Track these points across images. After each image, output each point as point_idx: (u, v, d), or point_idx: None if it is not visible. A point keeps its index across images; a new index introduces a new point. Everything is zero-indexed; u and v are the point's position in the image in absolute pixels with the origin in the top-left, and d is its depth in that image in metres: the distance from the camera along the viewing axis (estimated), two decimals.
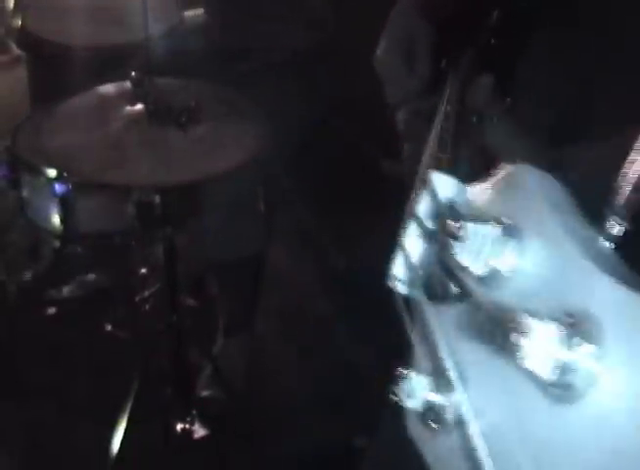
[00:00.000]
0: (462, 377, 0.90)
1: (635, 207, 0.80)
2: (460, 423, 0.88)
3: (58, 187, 2.31)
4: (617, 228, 0.80)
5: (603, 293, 0.76)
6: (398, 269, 1.03)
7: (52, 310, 2.65)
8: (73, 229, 2.33)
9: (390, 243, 1.06)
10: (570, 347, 0.75)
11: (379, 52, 1.35)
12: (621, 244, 0.81)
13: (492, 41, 1.16)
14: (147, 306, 2.57)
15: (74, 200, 2.30)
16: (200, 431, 2.36)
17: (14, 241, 2.61)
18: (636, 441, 0.74)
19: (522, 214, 0.85)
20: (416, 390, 0.91)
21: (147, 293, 2.57)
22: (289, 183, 2.49)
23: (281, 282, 2.68)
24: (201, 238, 2.42)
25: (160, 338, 2.37)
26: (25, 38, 2.86)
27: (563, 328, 0.76)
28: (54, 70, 2.70)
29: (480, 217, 0.86)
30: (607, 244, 0.81)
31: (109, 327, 2.60)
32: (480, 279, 0.85)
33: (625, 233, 0.80)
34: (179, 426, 2.36)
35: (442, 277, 0.95)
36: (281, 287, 2.68)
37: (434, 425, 0.90)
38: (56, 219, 2.33)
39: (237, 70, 2.48)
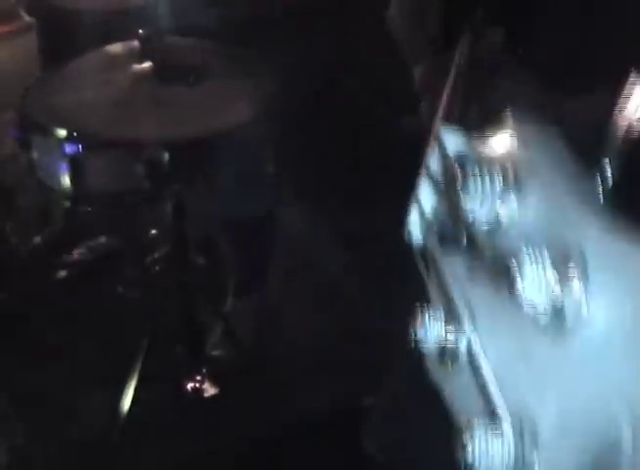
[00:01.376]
0: (472, 316, 0.95)
1: (626, 154, 0.84)
2: (471, 360, 0.94)
3: (68, 147, 2.31)
4: (609, 176, 0.85)
5: (593, 236, 0.83)
6: (413, 221, 1.08)
7: (62, 273, 2.67)
8: (84, 189, 2.33)
9: (403, 202, 1.10)
10: (561, 285, 0.82)
11: (391, 10, 1.37)
12: (613, 191, 0.85)
13: None
14: (157, 267, 2.58)
15: (84, 160, 2.30)
16: (210, 389, 2.38)
17: (24, 204, 2.62)
18: (623, 369, 0.79)
19: (524, 165, 0.91)
20: (432, 331, 0.96)
21: (157, 254, 2.58)
22: (300, 143, 2.48)
23: (292, 241, 2.69)
24: (211, 197, 2.43)
25: (171, 297, 2.38)
26: (35, 5, 2.87)
27: (556, 267, 0.82)
28: (64, 37, 2.71)
29: (485, 168, 0.92)
30: (600, 190, 0.85)
31: (119, 289, 2.62)
32: (485, 225, 0.92)
33: (617, 180, 0.85)
34: (189, 385, 2.38)
35: (452, 226, 0.99)
36: (292, 246, 2.69)
37: (449, 364, 0.95)
38: (66, 180, 2.34)
39: (242, 26, 2.48)
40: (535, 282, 0.82)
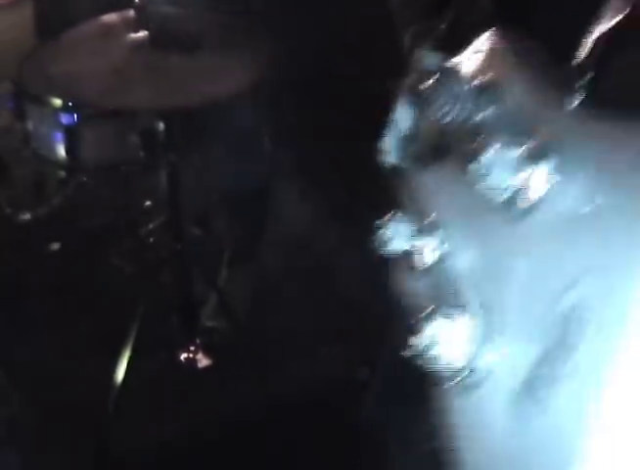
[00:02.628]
0: (440, 220, 0.99)
1: (596, 61, 0.90)
2: (439, 261, 0.97)
3: (63, 117, 2.31)
4: (581, 76, 0.90)
5: (562, 122, 0.89)
6: (388, 142, 1.09)
7: (57, 245, 2.67)
8: (79, 160, 2.33)
9: None
10: (526, 166, 0.87)
11: None
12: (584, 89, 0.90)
13: None
14: (152, 239, 2.59)
15: (80, 130, 2.31)
16: (204, 360, 2.39)
17: (20, 175, 2.62)
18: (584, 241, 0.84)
19: (499, 71, 0.97)
20: (400, 233, 0.97)
21: (152, 225, 2.58)
22: (293, 119, 2.48)
23: (286, 215, 2.69)
24: (206, 169, 2.43)
25: (166, 268, 2.39)
26: None
27: (522, 150, 0.88)
28: (60, 7, 2.71)
29: (458, 78, 0.98)
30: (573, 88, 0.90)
31: (115, 260, 2.62)
32: (458, 126, 0.96)
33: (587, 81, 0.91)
34: (183, 356, 2.39)
35: (426, 138, 1.04)
36: (285, 220, 2.69)
37: (415, 266, 0.98)
38: (61, 150, 2.34)
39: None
40: (500, 167, 0.88)
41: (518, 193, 0.87)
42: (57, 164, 2.40)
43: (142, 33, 2.16)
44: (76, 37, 2.24)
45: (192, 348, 2.38)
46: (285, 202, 2.68)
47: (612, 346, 0.79)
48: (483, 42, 1.01)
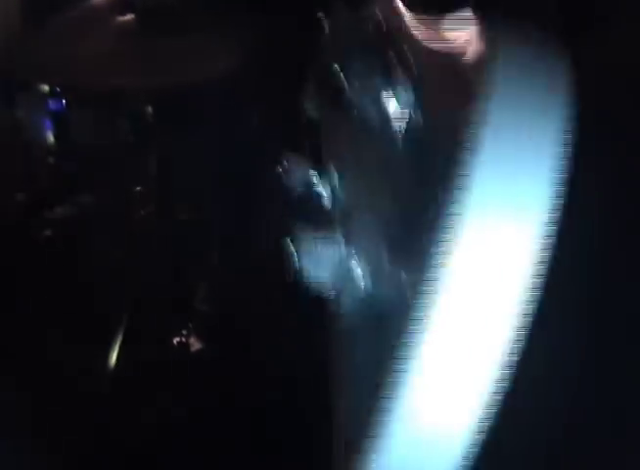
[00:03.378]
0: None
1: None
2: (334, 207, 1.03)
3: (51, 103, 2.31)
4: None
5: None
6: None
7: (48, 231, 2.66)
8: (68, 145, 2.33)
9: None
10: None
11: None
12: None
13: None
14: (143, 223, 2.58)
15: (68, 115, 2.30)
16: (196, 344, 2.39)
17: (8, 161, 2.61)
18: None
19: None
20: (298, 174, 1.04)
21: (143, 210, 2.57)
22: (286, 96, 2.47)
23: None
24: (196, 151, 2.42)
25: (157, 253, 2.38)
26: None
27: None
28: None
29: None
30: None
31: (105, 247, 2.61)
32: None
33: None
34: (175, 340, 2.38)
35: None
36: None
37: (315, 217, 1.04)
38: (50, 136, 2.33)
39: None
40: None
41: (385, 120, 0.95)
42: (46, 149, 2.40)
43: (129, 16, 2.15)
44: (63, 22, 2.23)
45: (184, 331, 2.38)
46: (277, 183, 2.67)
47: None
48: None
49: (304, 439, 2.15)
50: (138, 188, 2.60)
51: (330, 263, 0.99)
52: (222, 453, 2.27)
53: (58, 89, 2.27)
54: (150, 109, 2.15)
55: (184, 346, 2.38)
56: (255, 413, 2.30)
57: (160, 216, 2.36)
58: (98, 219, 2.67)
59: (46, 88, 2.29)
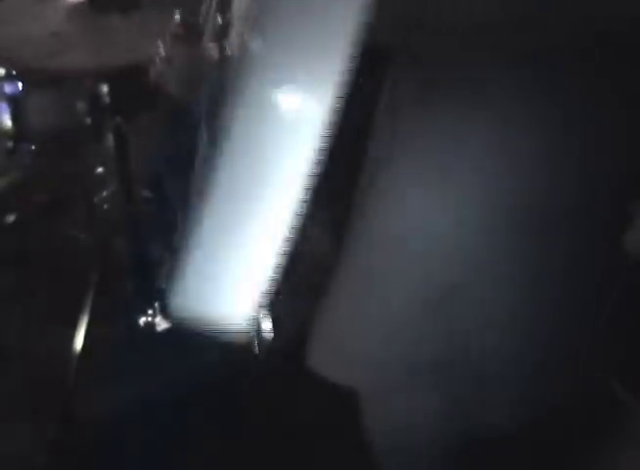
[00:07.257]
0: None
1: None
2: None
3: (7, 87, 2.29)
4: None
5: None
6: None
7: (11, 217, 2.65)
8: (26, 129, 2.31)
9: None
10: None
11: None
12: None
13: None
14: (105, 205, 2.57)
15: (24, 98, 2.28)
16: (162, 323, 2.38)
17: None
18: None
19: None
20: None
21: (105, 191, 2.57)
22: None
23: None
24: (153, 130, 2.41)
25: (120, 234, 2.38)
26: None
27: None
28: None
29: None
30: None
31: (69, 229, 2.61)
32: None
33: None
34: (142, 320, 2.38)
35: None
36: None
37: None
38: (7, 120, 2.31)
39: None
40: None
41: None
42: (4, 134, 2.38)
43: None
44: (13, 3, 2.22)
45: (150, 311, 2.37)
46: None
47: None
48: None
49: None
50: (99, 169, 2.60)
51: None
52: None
53: (13, 71, 2.25)
54: (105, 88, 2.14)
55: (150, 325, 2.37)
56: (229, 389, 2.31)
57: (121, 197, 2.35)
58: (61, 202, 2.67)
59: (1, 72, 2.27)
